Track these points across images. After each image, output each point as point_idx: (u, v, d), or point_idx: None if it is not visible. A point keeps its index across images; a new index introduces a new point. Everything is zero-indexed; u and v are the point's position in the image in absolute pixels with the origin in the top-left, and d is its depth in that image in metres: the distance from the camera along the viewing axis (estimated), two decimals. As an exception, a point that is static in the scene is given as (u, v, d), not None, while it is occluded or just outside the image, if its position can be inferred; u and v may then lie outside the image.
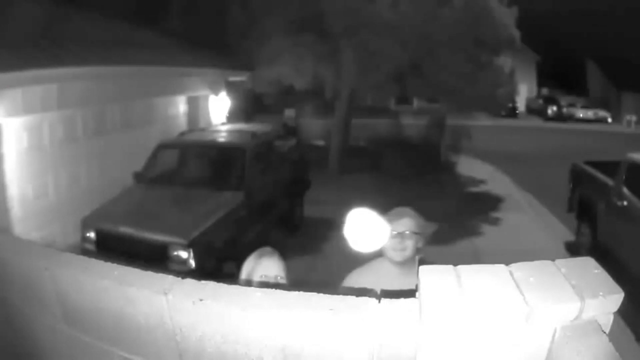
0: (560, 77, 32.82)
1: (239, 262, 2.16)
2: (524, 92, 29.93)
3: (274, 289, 1.33)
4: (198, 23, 10.81)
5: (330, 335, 1.20)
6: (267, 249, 2.18)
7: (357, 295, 1.23)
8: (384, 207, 2.27)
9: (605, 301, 1.04)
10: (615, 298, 1.05)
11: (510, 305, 1.02)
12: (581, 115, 28.35)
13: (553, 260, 1.16)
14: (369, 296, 1.22)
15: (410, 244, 2.13)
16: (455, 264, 1.15)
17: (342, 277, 2.28)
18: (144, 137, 7.51)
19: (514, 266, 1.14)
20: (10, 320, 1.92)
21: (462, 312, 1.03)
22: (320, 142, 13.39)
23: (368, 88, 12.24)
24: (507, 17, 10.47)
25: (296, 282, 1.82)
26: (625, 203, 5.56)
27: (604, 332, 1.06)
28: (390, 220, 2.16)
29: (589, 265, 1.14)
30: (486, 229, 8.11)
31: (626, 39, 24.28)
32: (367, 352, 1.18)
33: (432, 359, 1.09)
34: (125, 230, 5.04)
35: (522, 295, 1.04)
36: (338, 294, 1.25)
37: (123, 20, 9.18)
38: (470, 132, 13.15)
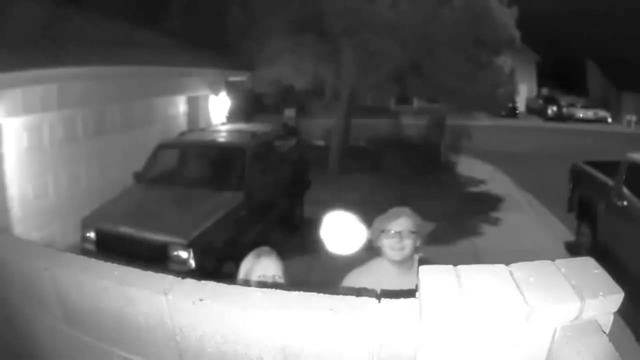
0: (560, 77, 32.82)
1: (239, 262, 2.16)
2: (524, 92, 29.92)
3: (273, 289, 1.33)
4: (198, 23, 10.81)
5: (330, 335, 1.20)
6: (265, 248, 2.18)
7: (357, 295, 1.23)
8: (384, 207, 2.28)
9: (605, 301, 1.04)
10: (615, 298, 1.05)
11: (510, 305, 1.02)
12: (581, 115, 28.34)
13: (553, 260, 1.16)
14: (369, 296, 1.22)
15: (408, 243, 2.15)
16: (455, 264, 1.15)
17: (342, 277, 2.29)
18: (144, 137, 7.51)
19: (514, 266, 1.14)
20: (10, 320, 1.92)
21: (462, 312, 1.03)
22: (320, 142, 13.39)
23: (368, 88, 12.26)
24: (507, 17, 10.47)
25: (296, 282, 1.82)
26: (625, 203, 5.56)
27: (604, 332, 1.06)
28: (388, 220, 2.18)
29: (589, 265, 1.14)
30: (486, 229, 8.11)
31: (626, 39, 24.28)
32: (367, 352, 1.18)
33: (432, 359, 1.09)
34: (125, 230, 5.04)
35: (522, 295, 1.04)
36: (338, 294, 1.25)
37: (123, 20, 9.18)
38: (470, 132, 13.14)
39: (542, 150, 16.54)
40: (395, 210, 2.24)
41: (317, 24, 9.74)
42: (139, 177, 6.19)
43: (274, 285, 1.95)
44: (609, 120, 27.78)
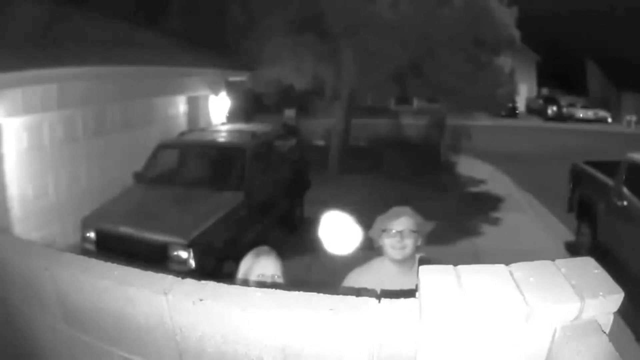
0: (560, 77, 32.83)
1: (239, 262, 2.16)
2: (524, 92, 29.93)
3: (274, 289, 1.33)
4: (198, 23, 10.81)
5: (330, 335, 1.20)
6: (265, 247, 2.18)
7: (357, 295, 1.23)
8: (384, 207, 2.28)
9: (605, 301, 1.04)
10: (615, 298, 1.05)
11: (510, 305, 1.02)
12: (581, 115, 28.34)
13: (553, 260, 1.16)
14: (369, 296, 1.22)
15: (409, 242, 2.15)
16: (455, 264, 1.15)
17: (342, 277, 2.29)
18: (144, 137, 7.51)
19: (514, 266, 1.14)
20: (10, 320, 1.92)
21: (462, 312, 1.03)
22: (320, 142, 13.39)
23: (368, 88, 12.25)
24: (507, 17, 10.47)
25: (296, 282, 1.82)
26: (625, 203, 5.56)
27: (604, 332, 1.06)
28: (389, 219, 2.18)
29: (589, 265, 1.14)
30: (486, 229, 8.11)
31: (626, 39, 24.28)
32: (367, 352, 1.18)
33: (432, 359, 1.09)
34: (125, 230, 5.04)
35: (522, 295, 1.04)
36: (338, 294, 1.25)
37: (123, 20, 9.18)
38: (470, 132, 13.14)
39: (542, 150, 16.54)
40: (396, 209, 2.24)
41: (317, 24, 9.74)
42: (139, 177, 6.19)
43: (274, 285, 1.95)
44: (609, 120, 27.78)
